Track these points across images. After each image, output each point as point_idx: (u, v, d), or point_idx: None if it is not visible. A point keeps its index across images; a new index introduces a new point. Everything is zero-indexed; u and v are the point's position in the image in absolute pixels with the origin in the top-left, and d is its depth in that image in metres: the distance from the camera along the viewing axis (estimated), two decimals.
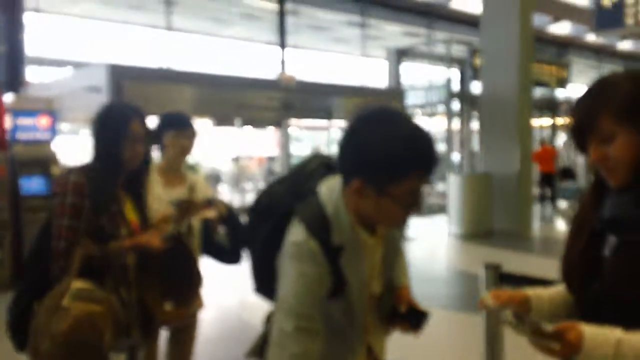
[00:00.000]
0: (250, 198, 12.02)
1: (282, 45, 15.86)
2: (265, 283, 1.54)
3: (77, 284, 1.96)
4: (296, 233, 1.40)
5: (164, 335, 2.73)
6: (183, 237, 2.56)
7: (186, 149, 2.77)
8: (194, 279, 2.66)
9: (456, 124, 11.38)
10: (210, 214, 2.60)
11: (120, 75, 9.10)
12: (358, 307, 1.47)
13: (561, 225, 10.74)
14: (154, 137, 2.50)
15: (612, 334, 1.17)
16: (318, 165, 1.57)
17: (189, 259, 2.61)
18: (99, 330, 1.93)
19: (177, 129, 2.74)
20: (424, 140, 1.33)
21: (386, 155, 1.28)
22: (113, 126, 2.20)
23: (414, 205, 1.35)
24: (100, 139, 2.21)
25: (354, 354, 1.53)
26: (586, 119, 1.27)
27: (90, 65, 9.62)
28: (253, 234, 1.58)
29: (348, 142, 1.37)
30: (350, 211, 1.41)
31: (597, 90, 1.28)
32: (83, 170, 2.15)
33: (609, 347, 1.15)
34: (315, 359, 1.38)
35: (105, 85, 8.94)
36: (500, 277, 2.54)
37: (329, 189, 1.45)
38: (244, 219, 2.76)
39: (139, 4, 15.27)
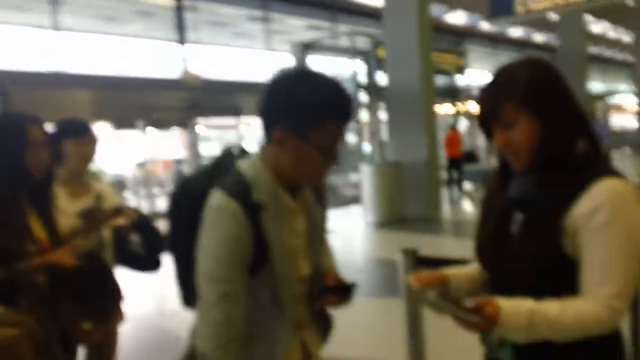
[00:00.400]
0: (159, 204, 11.52)
1: (182, 42, 15.33)
2: (193, 291, 1.49)
3: None
4: (214, 199, 1.41)
5: (82, 351, 2.57)
6: (97, 253, 2.44)
7: (88, 157, 2.65)
8: (113, 296, 2.60)
9: (365, 115, 11.53)
10: (121, 221, 2.48)
11: (6, 81, 8.44)
12: (285, 289, 1.46)
13: (468, 207, 11.20)
14: (52, 146, 2.29)
15: (525, 304, 1.25)
16: (232, 156, 1.61)
17: (106, 275, 2.53)
18: (19, 355, 1.78)
19: (76, 136, 2.59)
20: (341, 91, 1.42)
21: (307, 100, 1.37)
22: (10, 133, 2.06)
23: (331, 154, 1.41)
24: None
25: (284, 347, 1.51)
26: (490, 107, 1.35)
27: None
28: (175, 235, 1.58)
29: (272, 92, 1.42)
30: (270, 172, 1.45)
31: (499, 79, 1.36)
32: None
33: (523, 317, 1.23)
34: (239, 325, 1.40)
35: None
36: (417, 261, 2.59)
37: (247, 160, 1.49)
38: (157, 224, 2.64)
39: (21, 3, 14.18)
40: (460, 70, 15.26)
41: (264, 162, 1.45)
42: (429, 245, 7.14)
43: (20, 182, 2.07)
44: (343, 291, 1.56)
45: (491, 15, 11.32)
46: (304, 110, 1.37)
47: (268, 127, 1.42)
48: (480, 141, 13.79)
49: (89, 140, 2.64)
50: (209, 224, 1.40)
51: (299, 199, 1.53)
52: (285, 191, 1.47)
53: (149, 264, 2.67)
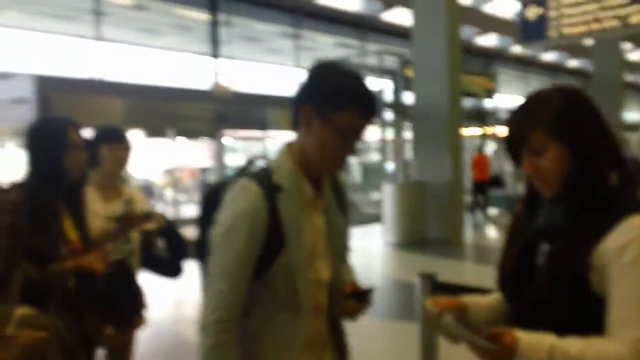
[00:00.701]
0: (185, 210, 11.71)
1: (215, 55, 15.65)
2: None
3: (20, 310, 1.83)
4: (236, 183, 1.50)
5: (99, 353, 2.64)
6: (126, 261, 2.53)
7: (122, 162, 2.78)
8: (136, 302, 2.65)
9: (390, 133, 11.56)
10: (150, 226, 2.59)
11: (47, 86, 8.72)
12: (300, 277, 1.49)
13: (492, 233, 11.05)
14: (89, 151, 2.43)
15: (546, 339, 1.21)
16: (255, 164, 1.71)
17: (130, 281, 2.61)
18: (47, 358, 1.82)
19: (114, 142, 2.73)
20: (366, 86, 1.51)
21: (333, 84, 1.48)
22: (51, 135, 2.14)
23: (351, 141, 1.48)
24: (39, 150, 2.13)
25: (305, 340, 1.53)
26: (519, 133, 1.33)
27: (15, 75, 9.14)
28: (204, 242, 1.62)
29: (305, 79, 1.53)
30: (294, 160, 1.53)
31: (529, 105, 1.35)
32: (20, 187, 2.04)
33: (543, 351, 1.19)
34: (241, 300, 1.45)
35: (31, 96, 8.53)
36: (435, 287, 2.58)
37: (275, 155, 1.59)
38: (181, 230, 2.74)
39: (66, 13, 14.70)
40: (490, 93, 15.16)
41: (289, 151, 1.54)
42: (448, 269, 7.08)
43: (58, 183, 2.14)
44: (361, 296, 1.60)
45: (523, 40, 11.28)
46: (329, 93, 1.46)
47: (297, 111, 1.51)
48: (507, 166, 13.62)
49: (125, 147, 2.77)
50: (227, 200, 1.48)
51: (320, 198, 1.58)
52: (306, 180, 1.53)
53: (172, 269, 2.75)
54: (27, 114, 8.02)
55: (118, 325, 2.46)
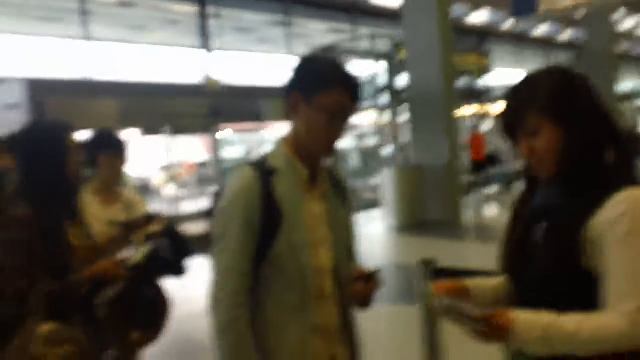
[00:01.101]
0: (187, 206, 11.69)
1: (206, 48, 15.54)
2: None
3: (45, 327, 1.80)
4: (232, 173, 1.62)
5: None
6: (144, 264, 2.50)
7: (119, 170, 2.82)
8: (160, 306, 2.68)
9: (385, 117, 11.51)
10: (153, 228, 2.60)
11: (40, 90, 8.67)
12: (304, 254, 1.54)
13: (492, 212, 11.06)
14: (87, 156, 2.41)
15: (543, 318, 1.23)
16: None
17: (153, 287, 2.65)
18: None
19: (111, 151, 2.76)
20: (345, 68, 1.62)
21: (314, 70, 1.60)
22: (51, 140, 2.06)
23: (337, 121, 1.57)
24: (38, 156, 2.03)
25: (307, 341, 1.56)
26: (514, 115, 1.35)
27: (5, 80, 9.06)
28: None
29: (291, 71, 1.63)
30: (288, 146, 1.62)
31: (523, 87, 1.37)
32: (24, 199, 1.97)
33: (538, 330, 1.21)
34: (246, 275, 1.51)
35: (24, 101, 8.47)
36: (436, 272, 2.59)
37: None
38: (183, 227, 2.73)
39: (52, 15, 14.56)
40: (484, 71, 15.12)
41: (284, 141, 1.64)
42: (450, 250, 7.09)
43: (61, 190, 2.08)
44: (368, 278, 1.63)
45: (515, 13, 11.17)
46: (310, 77, 1.58)
47: (287, 101, 1.61)
48: (503, 144, 13.61)
49: (121, 155, 2.80)
50: (226, 187, 1.58)
51: (318, 185, 1.65)
52: (301, 164, 1.62)
53: (177, 269, 2.77)
54: (20, 120, 7.98)
55: (144, 329, 2.49)
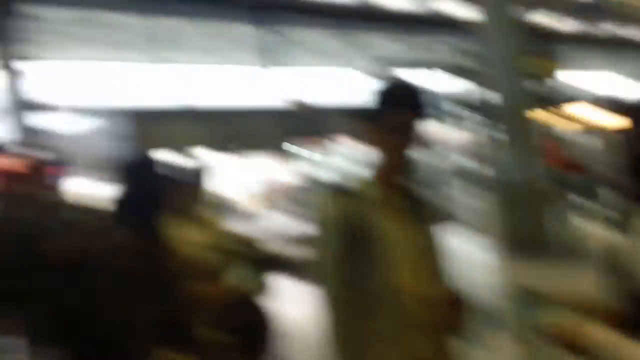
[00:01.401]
0: (276, 227, 11.72)
1: (269, 66, 15.66)
2: None
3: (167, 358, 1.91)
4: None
5: None
6: (244, 288, 2.62)
7: (198, 200, 3.00)
8: (261, 328, 2.75)
9: (477, 135, 11.23)
10: (250, 252, 2.77)
11: (141, 119, 8.96)
12: (394, 281, 1.58)
13: (585, 226, 10.46)
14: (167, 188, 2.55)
15: None
16: None
17: (254, 308, 2.72)
18: None
19: (189, 185, 2.95)
20: (405, 86, 1.84)
21: (386, 93, 1.82)
22: (147, 169, 2.30)
23: (406, 136, 1.74)
24: (139, 184, 2.22)
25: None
26: None
27: (112, 110, 9.45)
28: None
29: (367, 93, 1.84)
30: (375, 176, 1.78)
31: None
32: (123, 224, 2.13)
33: None
34: (337, 285, 1.61)
35: (127, 131, 8.77)
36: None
37: None
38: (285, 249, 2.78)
39: (122, 39, 14.94)
40: (556, 73, 14.72)
41: (369, 164, 1.81)
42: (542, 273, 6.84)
43: (155, 216, 2.24)
44: (456, 304, 1.62)
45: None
46: (381, 100, 1.81)
47: (362, 124, 1.81)
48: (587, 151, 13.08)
49: (199, 187, 2.93)
50: (317, 212, 1.73)
51: (404, 209, 1.75)
52: (388, 189, 1.76)
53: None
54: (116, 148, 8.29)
55: (250, 353, 2.55)
